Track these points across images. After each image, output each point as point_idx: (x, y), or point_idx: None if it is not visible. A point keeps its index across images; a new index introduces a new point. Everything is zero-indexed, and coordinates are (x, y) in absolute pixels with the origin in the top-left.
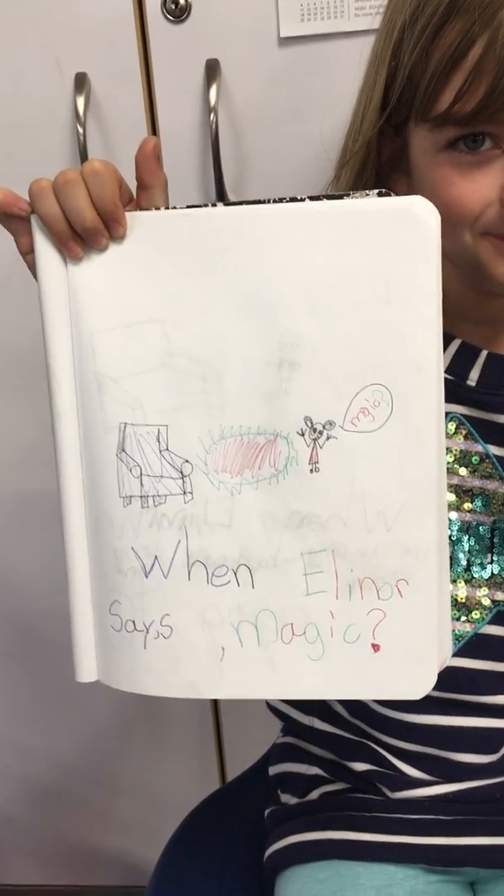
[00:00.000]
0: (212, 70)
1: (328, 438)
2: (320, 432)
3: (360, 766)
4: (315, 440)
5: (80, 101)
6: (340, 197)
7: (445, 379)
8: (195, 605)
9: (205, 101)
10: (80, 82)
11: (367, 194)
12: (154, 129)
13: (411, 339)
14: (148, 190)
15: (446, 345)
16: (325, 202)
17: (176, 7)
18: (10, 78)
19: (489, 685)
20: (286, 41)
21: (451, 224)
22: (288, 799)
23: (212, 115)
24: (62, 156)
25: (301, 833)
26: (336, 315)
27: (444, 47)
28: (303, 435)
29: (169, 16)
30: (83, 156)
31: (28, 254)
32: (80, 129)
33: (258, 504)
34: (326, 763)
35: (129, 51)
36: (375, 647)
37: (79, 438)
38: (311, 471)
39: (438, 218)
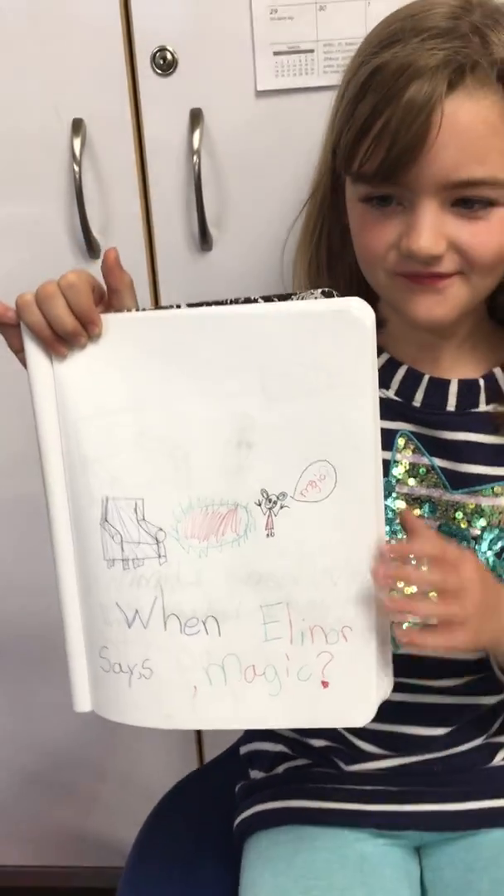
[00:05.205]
0: (195, 118)
1: (281, 507)
2: (274, 502)
3: (318, 743)
4: (270, 509)
5: (77, 144)
6: (289, 296)
7: (394, 401)
8: (171, 651)
9: (189, 146)
10: (77, 127)
11: (313, 293)
12: (143, 170)
13: (350, 421)
14: (117, 292)
15: (395, 370)
16: (275, 304)
17: (164, 61)
18: (13, 122)
19: (436, 670)
20: (263, 93)
21: (368, 264)
22: (256, 774)
23: (195, 158)
24: (60, 193)
25: (266, 803)
26: (286, 401)
27: (358, 118)
28: (259, 505)
29: (157, 69)
30: (79, 193)
31: (19, 352)
32: (77, 169)
33: (223, 565)
34: (290, 741)
35: (121, 99)
36: (325, 684)
37: (68, 509)
38: (268, 535)
39: (373, 316)
